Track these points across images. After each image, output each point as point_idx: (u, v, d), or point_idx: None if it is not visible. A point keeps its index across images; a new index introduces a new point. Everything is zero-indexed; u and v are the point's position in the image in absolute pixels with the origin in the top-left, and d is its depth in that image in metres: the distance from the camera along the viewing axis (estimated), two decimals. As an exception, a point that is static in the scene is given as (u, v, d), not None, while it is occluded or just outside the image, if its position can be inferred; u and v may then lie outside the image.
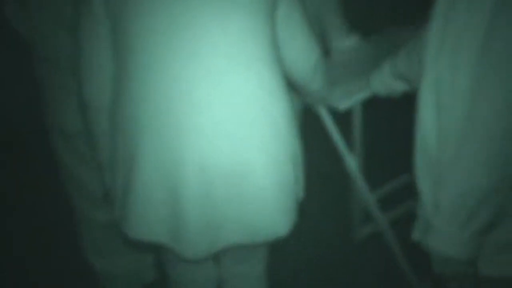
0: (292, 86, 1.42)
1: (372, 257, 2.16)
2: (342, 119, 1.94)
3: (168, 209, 1.23)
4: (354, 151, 1.98)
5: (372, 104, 1.91)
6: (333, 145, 1.94)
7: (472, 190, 0.99)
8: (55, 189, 1.96)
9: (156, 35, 1.16)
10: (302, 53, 1.34)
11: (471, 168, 0.99)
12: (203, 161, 1.20)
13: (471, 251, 1.04)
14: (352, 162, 1.94)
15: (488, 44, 0.96)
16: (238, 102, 1.20)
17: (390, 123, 2.66)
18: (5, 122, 2.68)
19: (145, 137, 1.21)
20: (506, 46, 0.95)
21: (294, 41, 1.30)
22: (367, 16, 2.36)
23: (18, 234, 2.30)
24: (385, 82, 1.59)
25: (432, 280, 1.43)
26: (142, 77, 1.19)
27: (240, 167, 1.22)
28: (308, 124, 1.96)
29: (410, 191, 2.04)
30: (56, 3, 1.51)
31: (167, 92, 1.18)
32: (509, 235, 1.08)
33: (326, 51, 1.84)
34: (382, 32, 2.05)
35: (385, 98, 1.66)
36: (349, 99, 1.75)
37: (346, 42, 1.95)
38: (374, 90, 1.65)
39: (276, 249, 1.57)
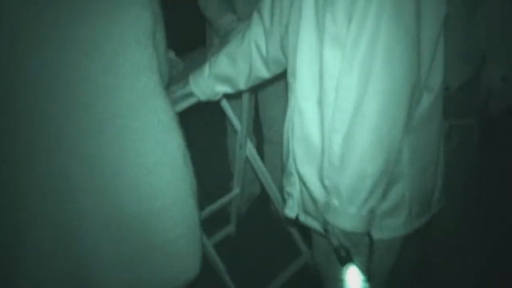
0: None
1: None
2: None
3: (73, 279, 1.10)
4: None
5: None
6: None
7: (369, 174, 1.14)
8: None
9: (26, 76, 0.99)
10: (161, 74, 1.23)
11: (365, 156, 1.13)
12: (108, 220, 1.08)
13: (367, 224, 1.20)
14: None
15: (374, 41, 1.07)
16: (140, 149, 1.09)
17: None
18: None
19: (29, 201, 1.03)
20: (390, 44, 1.07)
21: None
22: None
23: None
24: (206, 84, 1.58)
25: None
26: (8, 125, 1.01)
27: (148, 221, 1.12)
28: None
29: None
30: None
31: (48, 149, 1.02)
32: (389, 203, 1.26)
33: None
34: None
35: (203, 103, 1.64)
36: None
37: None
38: (196, 93, 1.61)
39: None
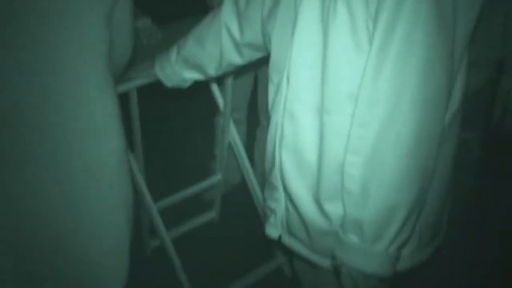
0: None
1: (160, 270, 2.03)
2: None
3: None
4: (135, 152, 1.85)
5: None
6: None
7: (401, 204, 0.94)
8: None
9: None
10: (122, 51, 1.10)
11: (397, 183, 0.93)
12: (6, 233, 0.92)
13: (394, 265, 1.00)
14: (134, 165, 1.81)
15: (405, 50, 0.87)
16: (67, 158, 0.93)
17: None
18: None
19: None
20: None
21: (117, 41, 1.04)
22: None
23: None
24: (173, 70, 1.42)
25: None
26: None
27: (56, 235, 0.97)
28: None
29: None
30: None
31: None
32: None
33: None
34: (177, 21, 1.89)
35: (172, 88, 1.49)
36: (126, 84, 1.56)
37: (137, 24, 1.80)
38: (162, 79, 1.47)
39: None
